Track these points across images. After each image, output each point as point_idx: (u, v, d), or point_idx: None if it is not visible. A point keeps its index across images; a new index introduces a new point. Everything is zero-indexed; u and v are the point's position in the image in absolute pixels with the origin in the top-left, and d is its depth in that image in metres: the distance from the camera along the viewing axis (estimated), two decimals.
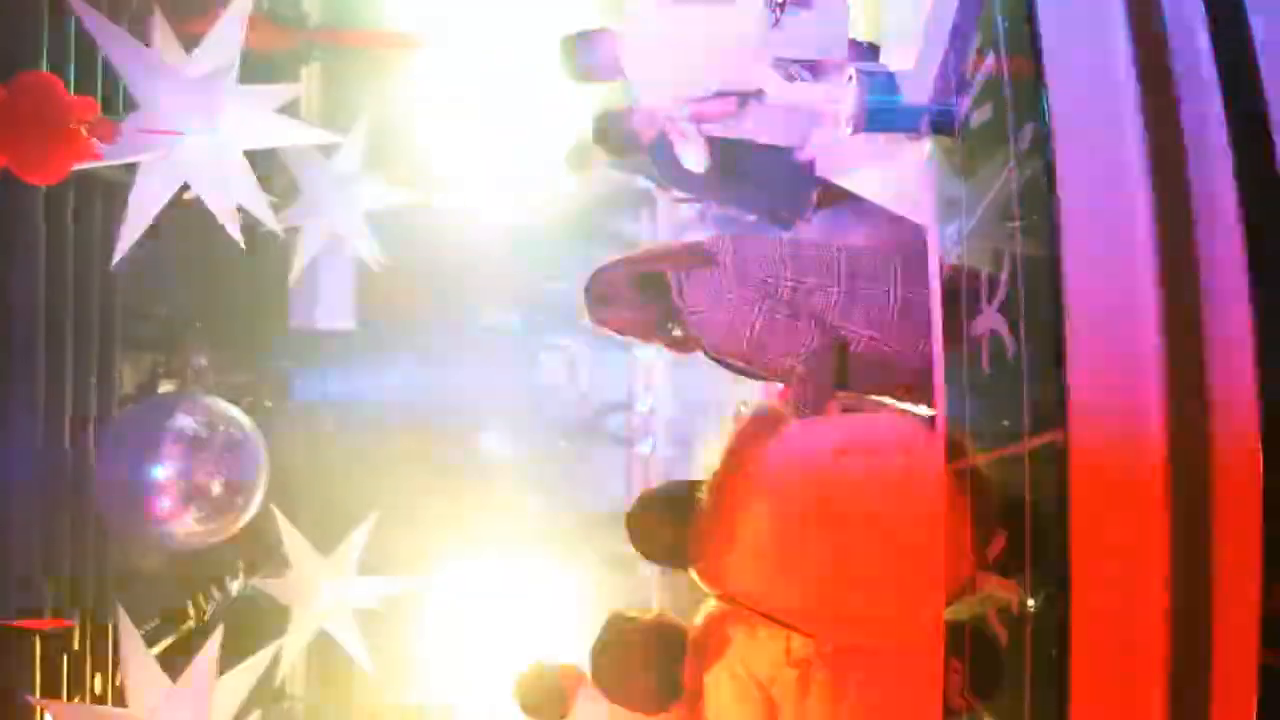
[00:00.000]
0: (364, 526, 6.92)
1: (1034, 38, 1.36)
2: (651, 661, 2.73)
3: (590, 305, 2.80)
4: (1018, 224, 1.43)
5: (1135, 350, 1.21)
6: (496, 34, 7.16)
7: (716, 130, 3.98)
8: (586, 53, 3.61)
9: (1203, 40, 1.27)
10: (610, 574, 8.13)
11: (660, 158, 4.39)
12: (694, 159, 3.93)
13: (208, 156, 4.47)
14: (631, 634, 2.82)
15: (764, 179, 4.47)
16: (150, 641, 5.30)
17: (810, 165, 3.78)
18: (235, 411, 5.57)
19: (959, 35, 1.70)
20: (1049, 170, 1.30)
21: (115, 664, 5.05)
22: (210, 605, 6.21)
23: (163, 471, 5.03)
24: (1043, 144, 1.32)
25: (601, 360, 9.07)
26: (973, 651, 1.64)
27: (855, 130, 1.94)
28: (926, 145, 1.92)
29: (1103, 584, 1.21)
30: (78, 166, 3.71)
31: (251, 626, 6.31)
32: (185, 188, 4.52)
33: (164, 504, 5.03)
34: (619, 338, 3.05)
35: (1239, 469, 1.16)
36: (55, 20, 4.31)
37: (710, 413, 7.19)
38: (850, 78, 1.93)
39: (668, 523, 2.56)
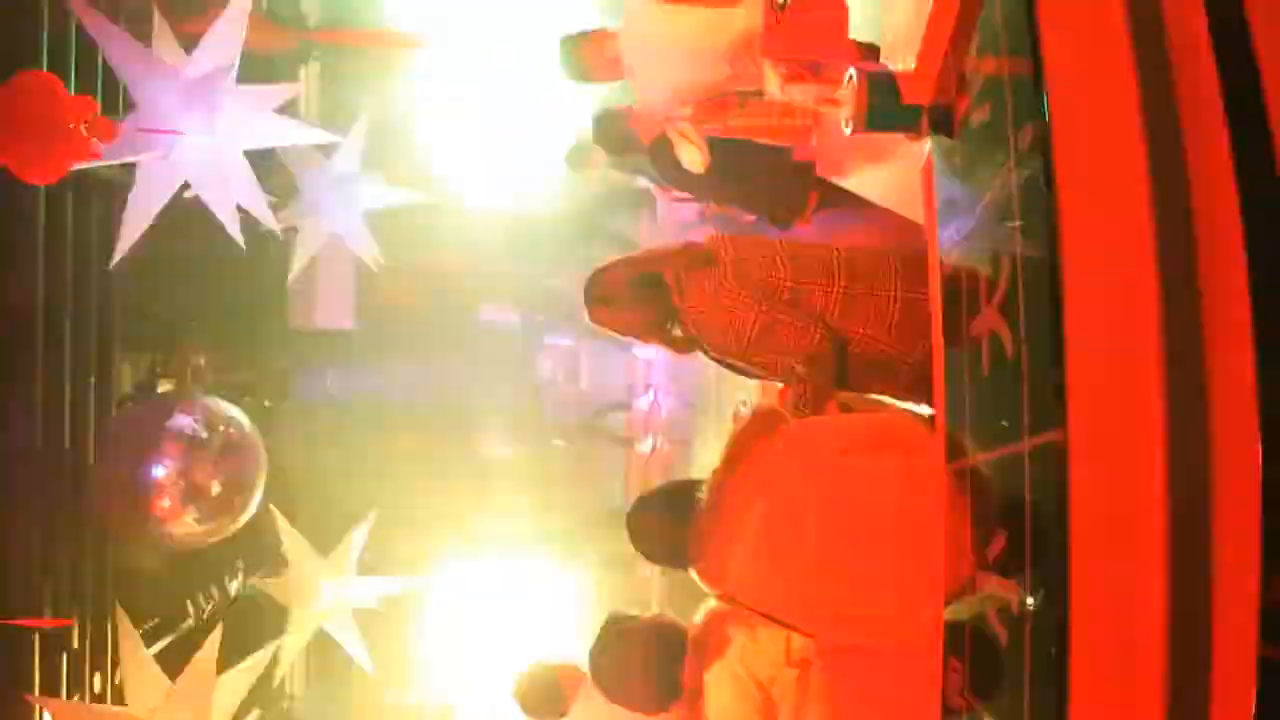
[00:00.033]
0: (363, 526, 6.91)
1: (1034, 37, 1.36)
2: (651, 661, 2.74)
3: (590, 305, 2.80)
4: (1017, 224, 1.43)
5: (1135, 349, 1.21)
6: (496, 34, 7.16)
7: (716, 130, 3.98)
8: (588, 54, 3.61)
9: (1203, 39, 1.27)
10: (610, 574, 8.13)
11: (660, 158, 4.39)
12: (693, 159, 3.93)
13: (207, 156, 4.47)
14: (631, 634, 2.82)
15: (763, 179, 4.48)
16: (150, 641, 5.31)
17: (809, 165, 3.78)
18: (234, 411, 5.57)
19: (959, 35, 1.70)
20: (1048, 170, 1.30)
21: (114, 663, 5.05)
22: (209, 605, 6.21)
23: (162, 471, 5.02)
24: (1042, 143, 1.32)
25: (601, 360, 9.08)
26: (972, 651, 1.64)
27: (855, 130, 1.94)
28: (926, 145, 1.92)
29: (1102, 583, 1.21)
30: (77, 166, 3.71)
31: (251, 626, 6.31)
32: (185, 187, 4.52)
33: (163, 504, 5.03)
34: (619, 338, 3.05)
35: (1238, 466, 1.16)
36: (55, 20, 4.31)
37: (710, 412, 7.20)
38: (850, 78, 1.93)
39: (668, 523, 2.56)
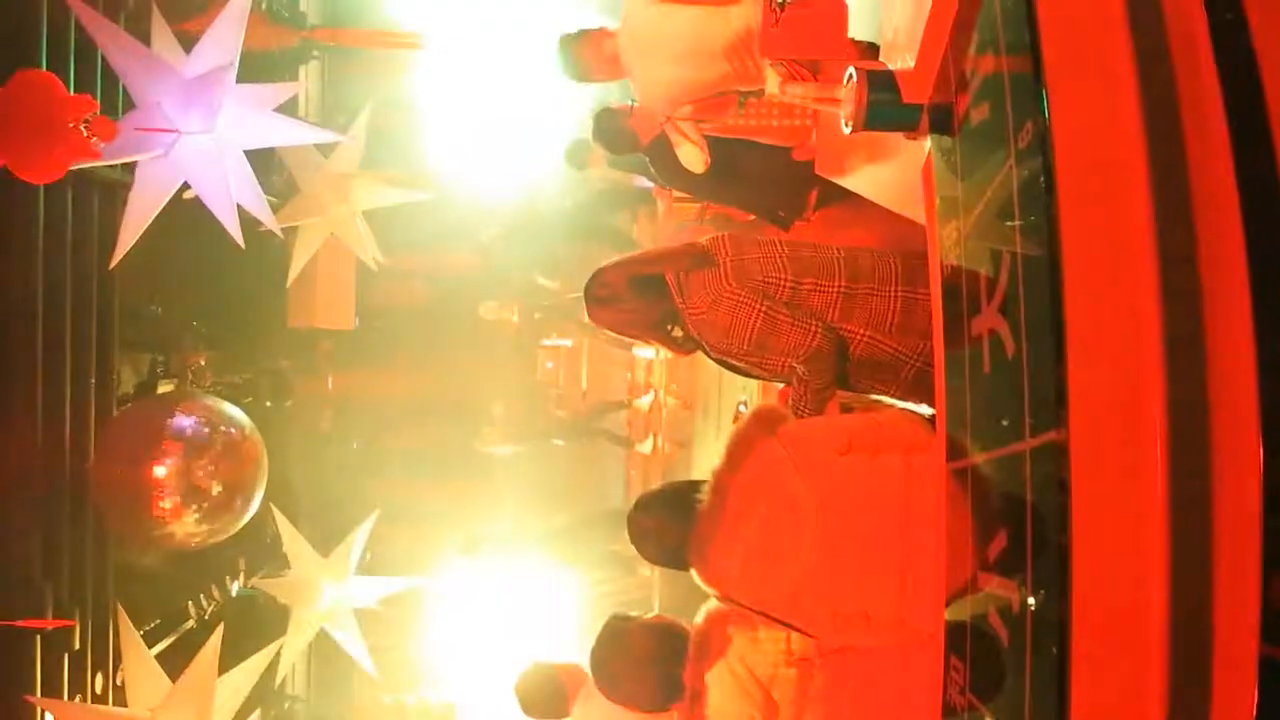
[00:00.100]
0: (364, 526, 6.92)
1: (1033, 36, 1.36)
2: (652, 661, 2.74)
3: (590, 306, 2.80)
4: (1017, 223, 1.43)
5: (1135, 348, 1.21)
6: (496, 33, 7.16)
7: (716, 130, 3.98)
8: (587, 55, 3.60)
9: (1203, 38, 1.27)
10: (610, 574, 8.14)
11: (659, 157, 4.39)
12: (693, 159, 3.93)
13: (206, 155, 4.47)
14: (633, 634, 2.82)
15: (763, 179, 4.48)
16: (150, 641, 5.31)
17: (809, 165, 3.78)
18: (234, 411, 5.57)
19: (958, 33, 1.70)
20: (1048, 168, 1.30)
21: (116, 663, 5.05)
22: (210, 605, 6.21)
23: (162, 471, 5.03)
24: (1042, 142, 1.32)
25: (601, 360, 9.08)
26: (973, 650, 1.64)
27: (855, 129, 1.93)
28: (926, 144, 1.92)
29: (1103, 582, 1.21)
30: (76, 165, 3.71)
31: (251, 626, 6.31)
32: (184, 187, 4.52)
33: (164, 504, 5.04)
34: (619, 337, 3.05)
35: (1239, 465, 1.16)
36: (55, 19, 4.31)
37: (710, 413, 7.20)
38: (850, 77, 1.93)
39: (668, 523, 2.56)
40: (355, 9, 7.98)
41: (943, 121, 1.81)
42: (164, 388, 6.07)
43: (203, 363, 6.57)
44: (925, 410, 2.49)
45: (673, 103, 3.63)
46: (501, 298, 8.92)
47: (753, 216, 5.26)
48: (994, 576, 1.51)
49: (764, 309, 2.56)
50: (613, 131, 4.53)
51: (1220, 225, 1.21)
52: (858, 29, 2.42)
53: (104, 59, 4.36)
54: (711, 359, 2.80)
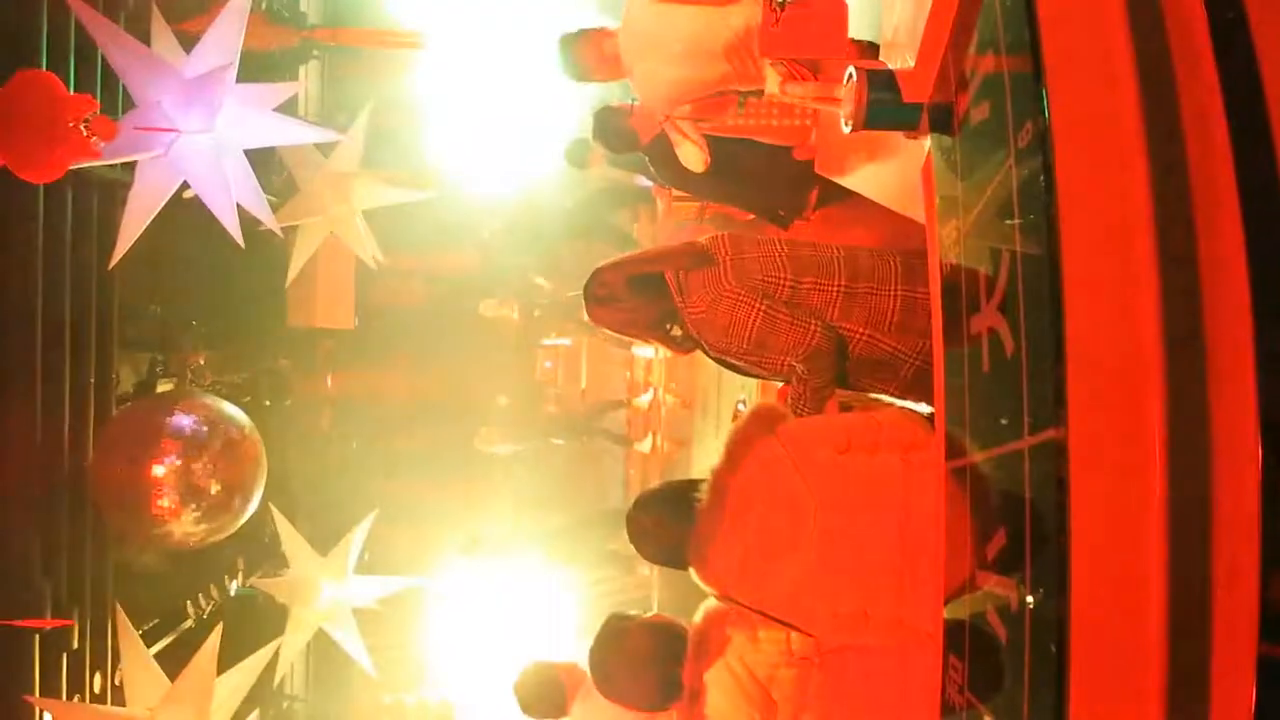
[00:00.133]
0: (363, 525, 6.92)
1: (1033, 35, 1.36)
2: (652, 661, 2.74)
3: (590, 305, 2.80)
4: (1016, 222, 1.43)
5: (1135, 347, 1.22)
6: (496, 32, 7.16)
7: (715, 129, 3.98)
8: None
9: (1203, 37, 1.27)
10: (609, 573, 8.14)
11: (659, 156, 4.39)
12: (693, 158, 3.93)
13: (206, 155, 4.47)
14: (631, 633, 2.82)
15: (763, 178, 4.48)
16: (149, 641, 5.31)
17: (808, 164, 3.78)
18: (234, 410, 5.58)
19: (958, 32, 1.70)
20: (1048, 168, 1.30)
21: (114, 663, 5.05)
22: (209, 605, 6.21)
23: (161, 471, 5.02)
24: (1042, 141, 1.32)
25: (600, 359, 9.08)
26: (972, 649, 1.64)
27: (854, 128, 1.94)
28: (926, 143, 1.92)
29: (1102, 581, 1.21)
30: (76, 165, 3.71)
31: (250, 626, 6.31)
32: (184, 186, 4.52)
33: (163, 503, 5.03)
34: (619, 336, 3.05)
35: (1238, 463, 1.16)
36: (55, 19, 4.31)
37: (710, 412, 7.20)
38: (850, 76, 1.93)
39: (667, 522, 2.56)
40: (355, 8, 7.98)
41: (943, 121, 1.81)
42: (163, 387, 6.07)
43: (202, 362, 6.57)
44: (924, 409, 2.49)
45: (672, 102, 3.63)
46: (501, 295, 8.92)
47: (752, 215, 5.26)
48: (993, 575, 1.51)
49: (763, 308, 2.56)
50: (613, 131, 4.53)
51: (1220, 224, 1.22)
52: (858, 28, 2.42)
53: (104, 59, 4.36)
54: (710, 358, 2.80)
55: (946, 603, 1.77)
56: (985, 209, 1.58)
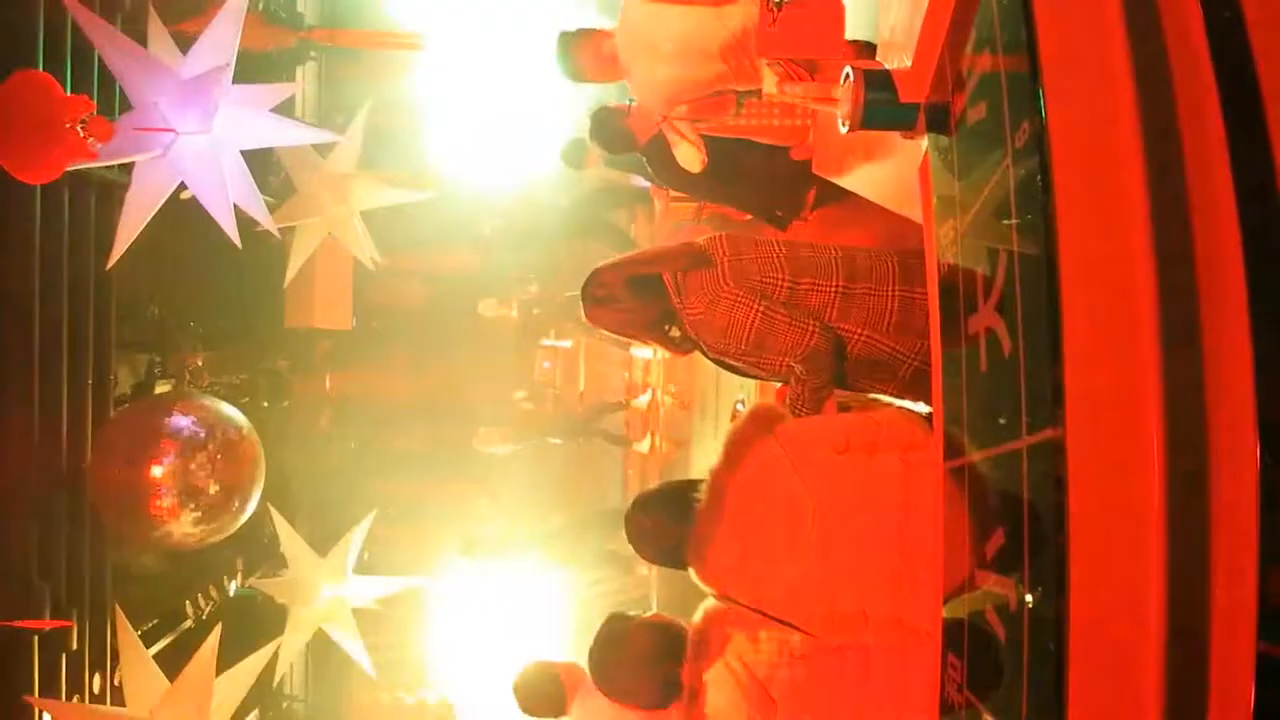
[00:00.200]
0: (362, 526, 6.91)
1: (1030, 34, 1.36)
2: (651, 660, 2.74)
3: (588, 305, 2.80)
4: (1014, 222, 1.43)
5: (1132, 346, 1.22)
6: (493, 33, 7.16)
7: (713, 129, 3.98)
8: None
9: (1199, 36, 1.27)
10: (608, 573, 8.14)
11: (657, 156, 4.39)
12: (690, 158, 3.93)
13: (203, 156, 4.46)
14: (631, 633, 2.82)
15: (760, 178, 4.48)
16: (148, 641, 5.31)
17: (806, 164, 3.78)
18: (232, 411, 5.58)
19: (955, 32, 1.70)
20: (1045, 168, 1.30)
21: (113, 663, 5.05)
22: (208, 605, 6.21)
23: (159, 472, 5.02)
24: (1038, 141, 1.32)
25: (599, 359, 9.08)
26: (970, 648, 1.64)
27: (852, 128, 1.94)
28: (923, 143, 1.92)
29: (1101, 579, 1.21)
30: (73, 166, 3.71)
31: (249, 626, 6.31)
32: (181, 187, 4.52)
33: (161, 504, 5.03)
34: (617, 337, 3.05)
35: (1236, 461, 1.16)
36: (51, 19, 4.30)
37: (708, 412, 7.20)
38: (847, 76, 1.94)
39: (666, 522, 2.56)
40: (352, 9, 7.98)
41: (940, 121, 1.81)
42: (161, 388, 6.07)
43: (200, 363, 6.57)
44: (923, 409, 2.50)
45: (669, 102, 3.63)
46: (500, 295, 8.93)
47: (750, 216, 5.26)
48: (991, 574, 1.51)
49: (761, 309, 2.56)
50: (610, 131, 4.53)
51: (1217, 223, 1.22)
52: (854, 28, 2.43)
53: (100, 59, 4.36)
54: (709, 359, 2.80)
55: (945, 602, 1.77)
56: (982, 209, 1.58)
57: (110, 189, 4.74)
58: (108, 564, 5.12)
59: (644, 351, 7.89)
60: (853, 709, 2.40)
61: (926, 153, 1.92)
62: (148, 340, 6.15)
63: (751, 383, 4.82)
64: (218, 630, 5.11)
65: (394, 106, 7.78)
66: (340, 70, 8.12)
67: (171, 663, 5.14)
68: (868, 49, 2.41)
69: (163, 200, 4.46)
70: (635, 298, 2.72)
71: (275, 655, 6.09)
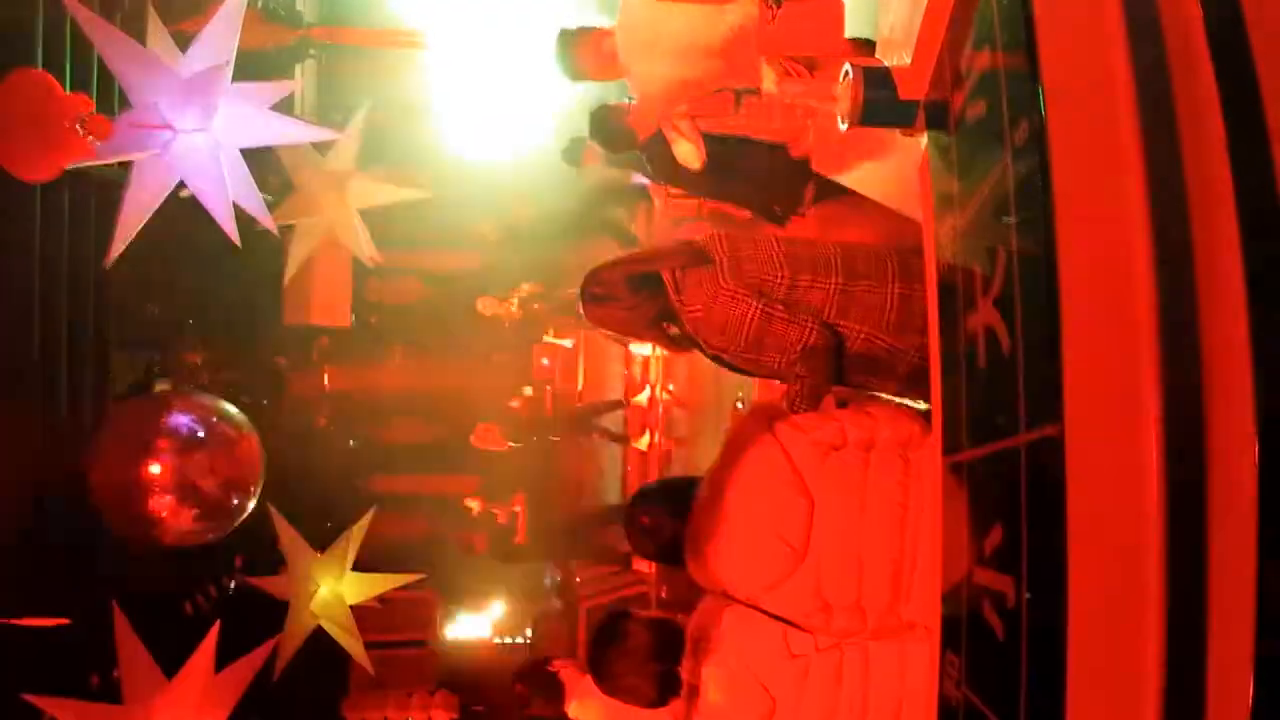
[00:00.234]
0: (361, 523, 6.92)
1: (1029, 32, 1.36)
2: (650, 657, 2.74)
3: (587, 304, 2.80)
4: (1013, 219, 1.44)
5: (1130, 343, 1.22)
6: (493, 32, 7.16)
7: (712, 127, 3.98)
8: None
9: (1199, 35, 1.27)
10: (607, 570, 8.14)
11: (656, 154, 4.39)
12: (690, 156, 3.93)
13: (202, 154, 4.47)
14: (630, 630, 2.82)
15: (759, 176, 4.48)
16: (147, 639, 5.30)
17: (805, 162, 3.79)
18: (230, 409, 5.58)
19: (955, 30, 1.70)
20: (1044, 166, 1.30)
21: (112, 661, 5.05)
22: (207, 602, 6.21)
23: (158, 470, 5.03)
24: (1038, 139, 1.32)
25: (598, 357, 9.08)
26: (969, 645, 1.65)
27: (851, 126, 1.94)
28: (922, 140, 1.93)
29: (1099, 576, 1.21)
30: (72, 164, 3.71)
31: (248, 623, 6.31)
32: (180, 185, 4.52)
33: (160, 502, 5.04)
34: (616, 335, 3.05)
35: (1235, 459, 1.16)
36: (50, 18, 4.30)
37: (707, 410, 7.21)
38: (846, 74, 1.94)
39: (665, 519, 2.57)
40: (351, 7, 7.97)
41: (939, 118, 1.82)
42: (160, 386, 6.07)
43: (198, 361, 6.58)
44: (921, 405, 2.50)
45: (669, 100, 3.63)
46: (499, 292, 8.92)
47: (749, 213, 5.26)
48: (989, 571, 1.51)
49: (760, 306, 2.56)
50: (610, 129, 4.53)
51: (1216, 222, 1.22)
52: (854, 26, 2.43)
53: (100, 58, 4.36)
54: (708, 356, 2.80)
55: (943, 598, 1.77)
56: (982, 206, 1.58)
57: (109, 188, 4.74)
58: (107, 562, 5.12)
59: (643, 349, 7.89)
60: (851, 706, 2.41)
61: (926, 150, 1.92)
62: (146, 338, 6.15)
63: (751, 380, 4.82)
64: (217, 627, 5.12)
65: (393, 104, 7.78)
66: (339, 68, 8.12)
67: (170, 661, 5.14)
68: (867, 46, 2.41)
69: (162, 199, 4.47)
70: (634, 295, 2.71)
71: (274, 652, 6.09)
